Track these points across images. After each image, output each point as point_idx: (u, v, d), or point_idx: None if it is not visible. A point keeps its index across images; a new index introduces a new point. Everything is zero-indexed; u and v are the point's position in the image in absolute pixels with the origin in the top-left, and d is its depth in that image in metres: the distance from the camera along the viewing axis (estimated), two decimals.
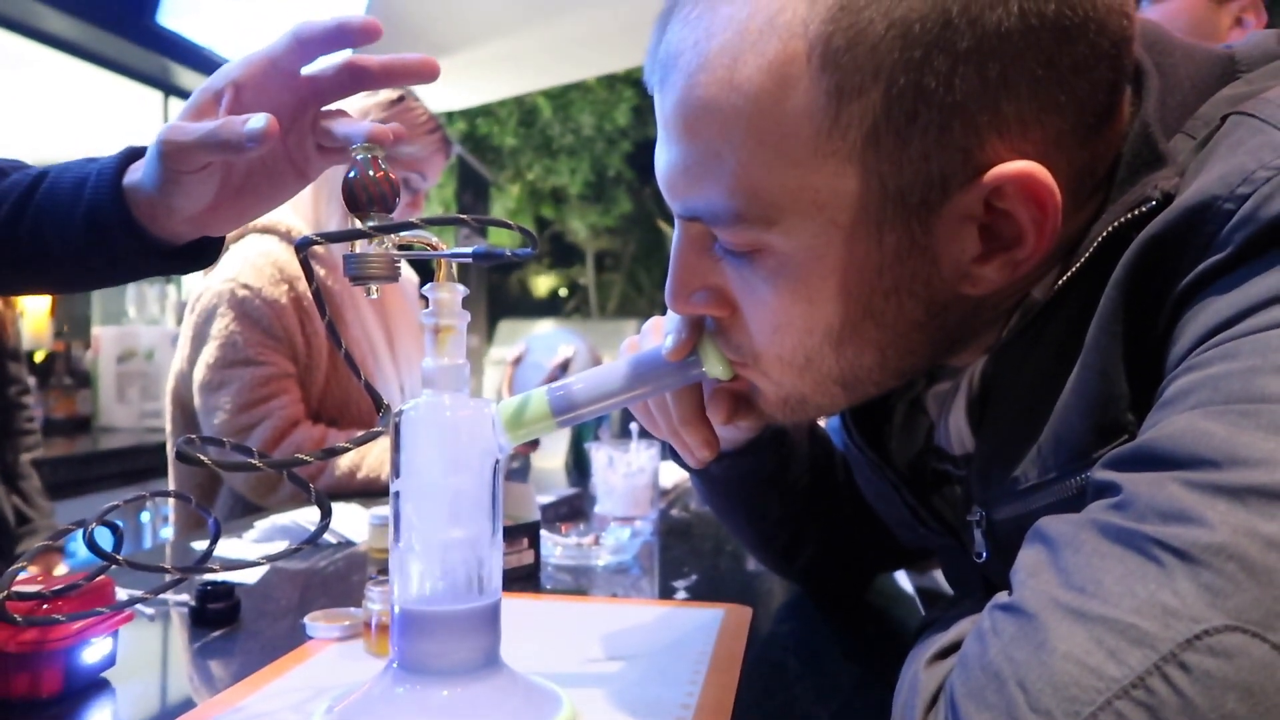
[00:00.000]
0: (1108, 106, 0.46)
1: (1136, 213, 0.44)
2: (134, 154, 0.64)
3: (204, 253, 0.68)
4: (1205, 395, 0.36)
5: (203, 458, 0.50)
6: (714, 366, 0.56)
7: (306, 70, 0.61)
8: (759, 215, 0.46)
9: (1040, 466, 0.47)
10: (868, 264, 0.47)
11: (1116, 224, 0.45)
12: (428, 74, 0.61)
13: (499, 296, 10.58)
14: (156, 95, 3.09)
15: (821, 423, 0.80)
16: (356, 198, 0.52)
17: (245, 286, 1.33)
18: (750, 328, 0.52)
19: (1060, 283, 0.47)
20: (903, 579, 0.88)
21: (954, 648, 0.43)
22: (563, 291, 11.46)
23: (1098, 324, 0.43)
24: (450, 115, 7.03)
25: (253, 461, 0.52)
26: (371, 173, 0.52)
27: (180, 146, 0.58)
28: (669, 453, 0.72)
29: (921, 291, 0.48)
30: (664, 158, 0.50)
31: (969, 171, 0.44)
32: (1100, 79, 0.45)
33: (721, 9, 0.46)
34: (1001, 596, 0.38)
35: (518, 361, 1.80)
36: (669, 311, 0.62)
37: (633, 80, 8.17)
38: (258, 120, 0.56)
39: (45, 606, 0.55)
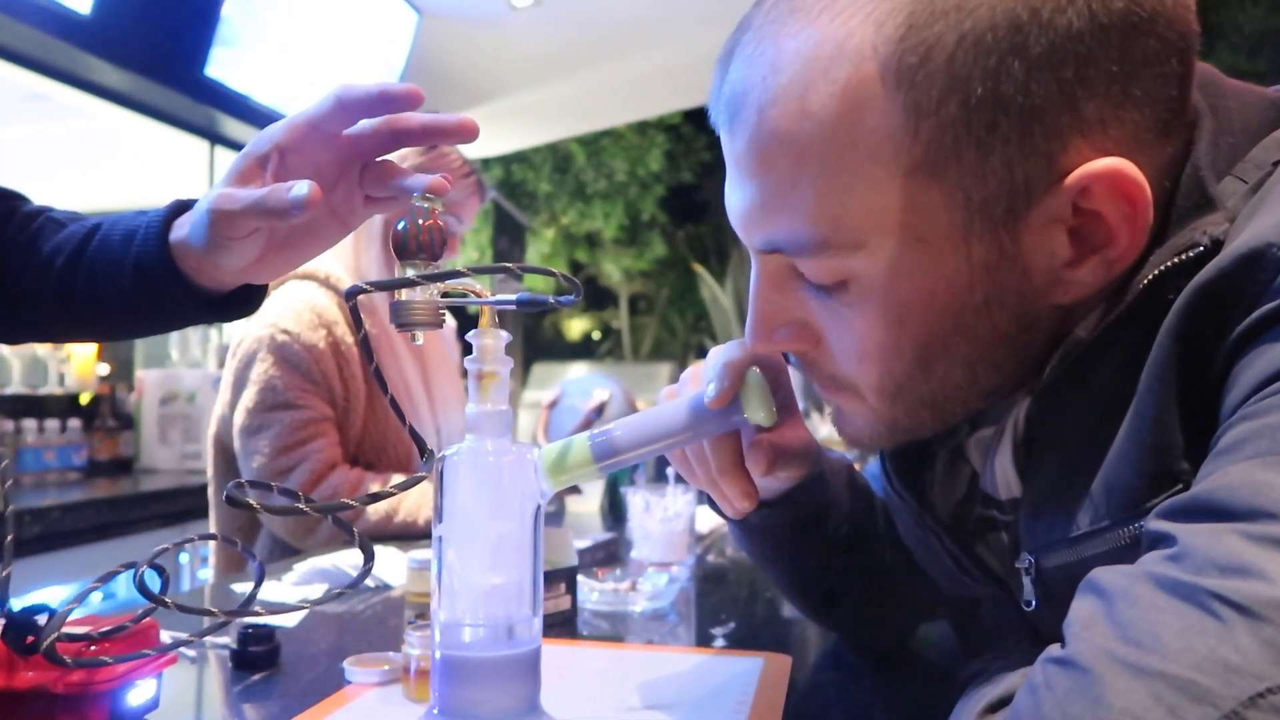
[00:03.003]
0: (1180, 102, 0.46)
1: (1184, 257, 0.44)
2: (180, 207, 0.67)
3: (248, 300, 0.70)
4: (1263, 445, 0.36)
5: (251, 502, 0.51)
6: (755, 413, 0.56)
7: (348, 131, 0.63)
8: (843, 240, 0.47)
9: (1092, 514, 0.46)
10: (957, 279, 0.47)
11: (1163, 267, 0.44)
12: (466, 135, 0.62)
13: (533, 339, 10.64)
14: (204, 145, 3.18)
15: (857, 465, 0.79)
16: (406, 245, 0.53)
17: (284, 332, 1.36)
18: (838, 357, 0.52)
19: (1104, 323, 0.47)
20: (946, 628, 0.86)
21: (1004, 701, 0.42)
22: (596, 334, 11.50)
23: (1150, 372, 0.43)
24: (487, 162, 7.14)
25: (299, 506, 0.52)
26: (422, 221, 0.53)
27: (229, 215, 0.61)
28: (706, 499, 0.71)
29: (1013, 303, 0.48)
30: (738, 196, 0.50)
31: (1054, 175, 0.44)
32: (1171, 72, 0.45)
33: (786, 42, 0.46)
34: (1054, 649, 0.37)
35: (553, 405, 1.80)
36: (708, 358, 0.62)
37: (664, 126, 8.25)
38: (301, 188, 0.58)
39: (93, 648, 0.56)
